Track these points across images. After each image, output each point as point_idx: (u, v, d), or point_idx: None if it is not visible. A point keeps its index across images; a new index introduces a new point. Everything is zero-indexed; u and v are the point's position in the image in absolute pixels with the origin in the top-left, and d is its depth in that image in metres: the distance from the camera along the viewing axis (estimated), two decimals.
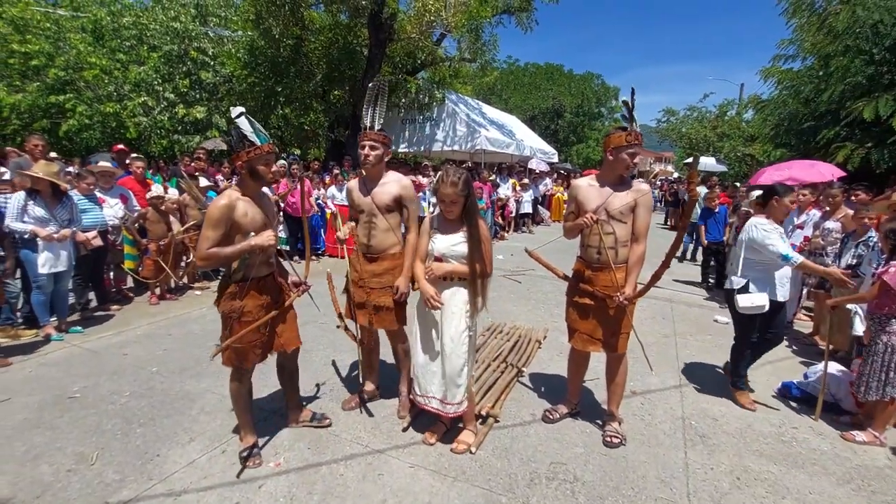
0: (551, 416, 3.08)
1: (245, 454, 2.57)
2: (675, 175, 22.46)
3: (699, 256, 8.19)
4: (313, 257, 7.89)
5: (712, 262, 7.17)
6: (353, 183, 2.97)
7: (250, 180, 2.39)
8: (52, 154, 7.83)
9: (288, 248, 7.67)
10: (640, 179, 3.16)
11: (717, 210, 6.87)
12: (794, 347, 4.70)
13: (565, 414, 3.12)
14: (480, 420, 3.02)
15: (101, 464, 2.55)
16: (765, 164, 10.34)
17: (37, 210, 4.08)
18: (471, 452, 2.70)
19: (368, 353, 3.23)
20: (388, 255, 2.85)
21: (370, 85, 2.82)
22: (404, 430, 2.93)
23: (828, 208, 4.88)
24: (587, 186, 2.75)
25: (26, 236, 4.05)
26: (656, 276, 2.55)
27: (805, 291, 5.36)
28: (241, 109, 2.34)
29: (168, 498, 2.31)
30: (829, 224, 4.75)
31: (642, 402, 3.42)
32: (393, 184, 2.82)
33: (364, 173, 2.90)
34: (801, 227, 5.01)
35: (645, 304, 5.49)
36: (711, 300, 6.35)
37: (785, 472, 2.67)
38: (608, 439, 2.85)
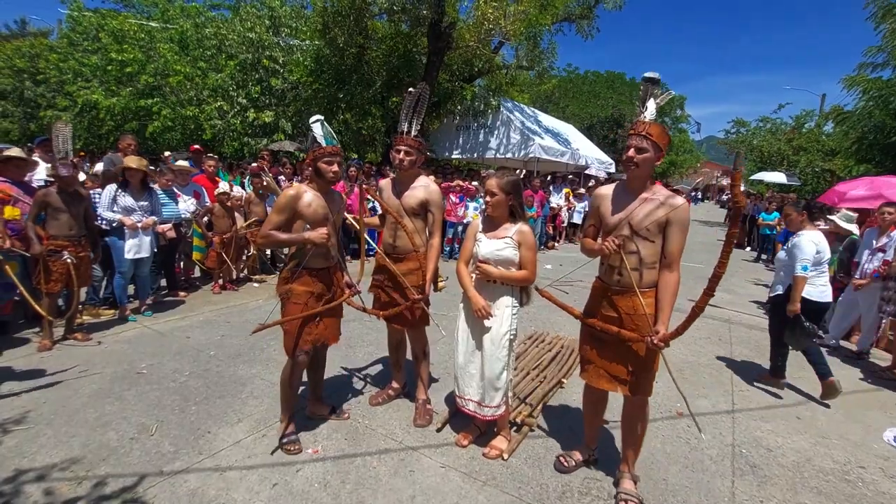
0: (565, 464, 2.65)
1: (285, 440, 2.70)
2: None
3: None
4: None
5: None
6: (386, 182, 3.08)
7: (316, 177, 2.65)
8: (166, 153, 8.61)
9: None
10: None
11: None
12: (870, 380, 4.28)
13: (580, 462, 2.68)
14: (515, 428, 2.99)
15: (159, 435, 2.78)
16: (845, 180, 9.51)
17: (126, 199, 4.53)
18: (503, 459, 2.69)
19: (395, 350, 3.31)
20: (413, 255, 2.93)
21: (410, 90, 2.87)
22: (438, 430, 2.96)
23: None
24: (610, 195, 2.37)
25: (114, 224, 4.50)
26: (698, 309, 2.06)
27: (886, 321, 4.87)
28: (320, 117, 2.64)
29: (214, 472, 2.48)
30: None
31: (689, 425, 3.25)
32: (421, 189, 2.91)
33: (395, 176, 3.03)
34: (882, 249, 4.55)
35: (700, 323, 5.19)
36: None
37: None
38: (621, 503, 2.38)
